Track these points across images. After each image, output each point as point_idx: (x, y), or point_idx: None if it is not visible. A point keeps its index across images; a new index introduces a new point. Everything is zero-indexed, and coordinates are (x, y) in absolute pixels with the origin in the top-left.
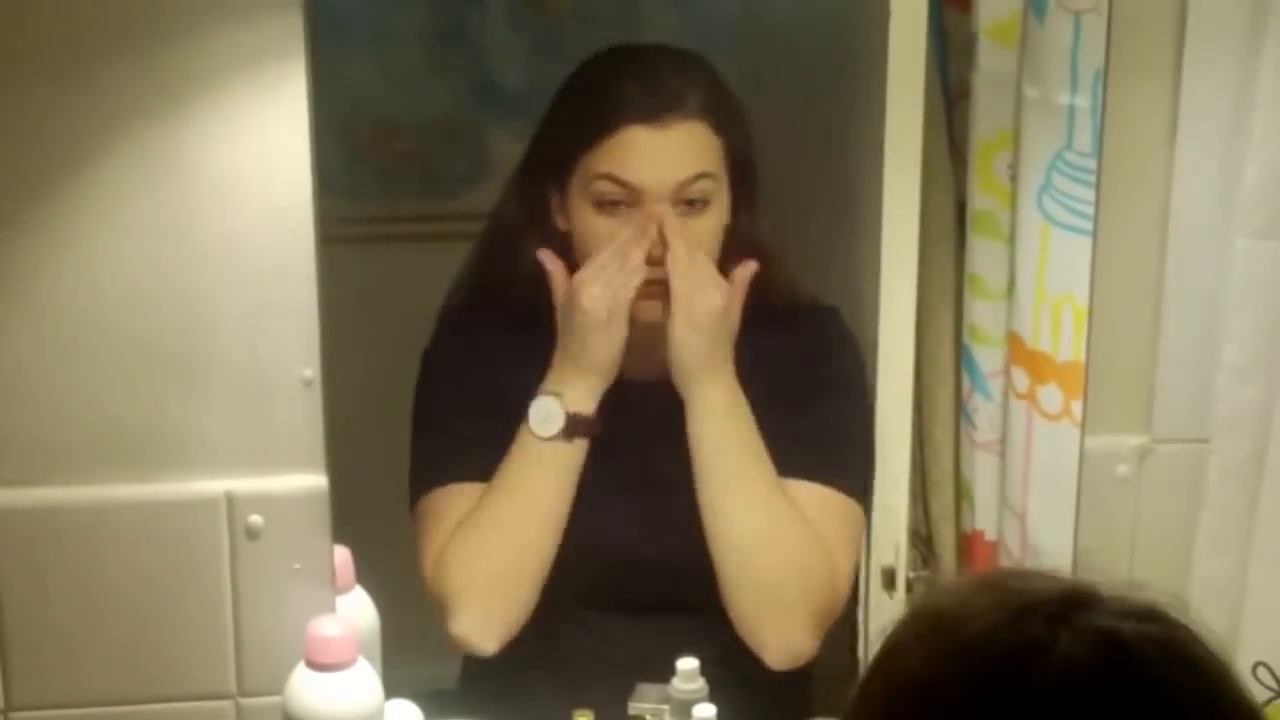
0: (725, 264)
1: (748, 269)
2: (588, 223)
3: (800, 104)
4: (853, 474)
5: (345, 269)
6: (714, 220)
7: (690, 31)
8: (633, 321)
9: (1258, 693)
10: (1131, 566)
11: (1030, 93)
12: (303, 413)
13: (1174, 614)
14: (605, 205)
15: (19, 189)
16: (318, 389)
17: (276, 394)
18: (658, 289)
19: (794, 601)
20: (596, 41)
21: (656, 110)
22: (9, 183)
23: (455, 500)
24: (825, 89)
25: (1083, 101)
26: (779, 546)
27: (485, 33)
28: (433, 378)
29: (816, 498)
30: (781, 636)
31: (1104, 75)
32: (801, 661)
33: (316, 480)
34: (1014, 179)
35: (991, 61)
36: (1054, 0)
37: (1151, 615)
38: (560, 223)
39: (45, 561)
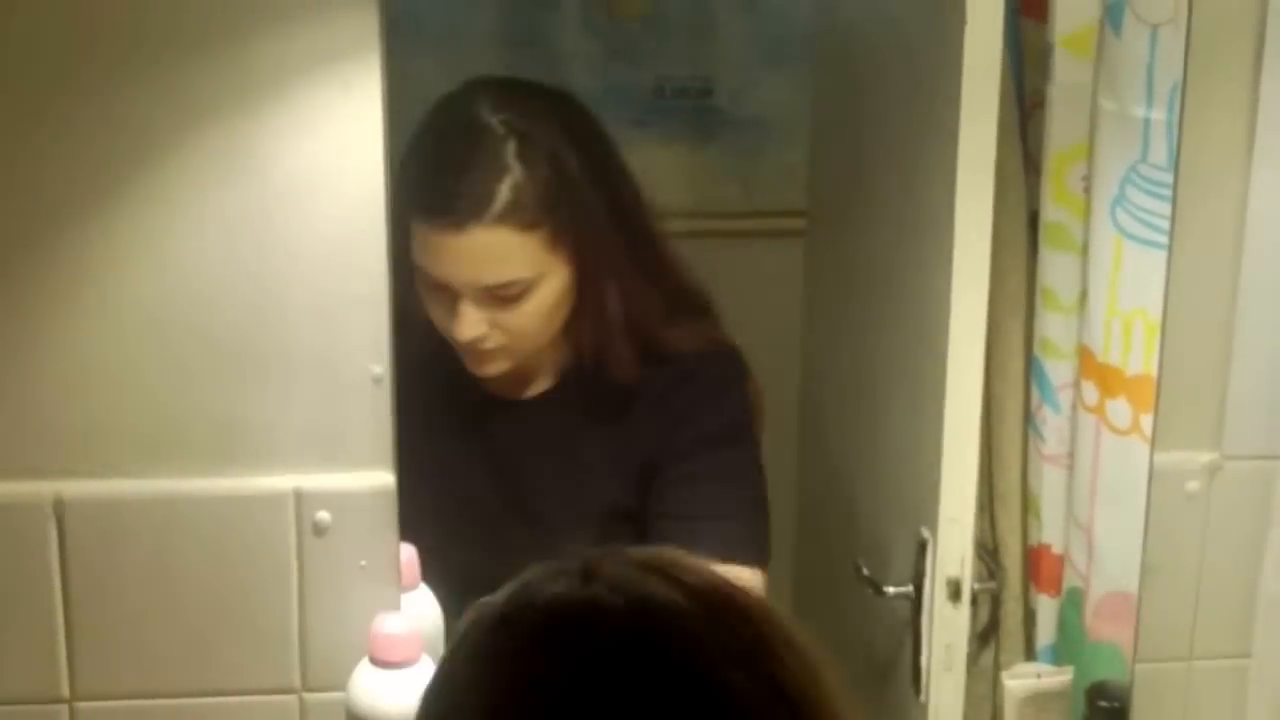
0: (571, 329)
1: None
2: (422, 292)
3: (874, 113)
4: (746, 545)
5: None
6: (532, 307)
7: (762, 39)
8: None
9: None
10: (1199, 584)
11: (1106, 105)
12: (372, 410)
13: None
14: (428, 287)
15: (98, 184)
16: (387, 386)
17: (346, 391)
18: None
19: None
20: (669, 46)
21: (456, 219)
22: (88, 178)
23: None
24: (899, 98)
25: (1158, 115)
26: None
27: (558, 37)
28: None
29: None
30: None
31: (1181, 89)
32: None
33: (384, 478)
34: (1088, 191)
35: (1067, 73)
36: (1131, 13)
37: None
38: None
39: (113, 553)
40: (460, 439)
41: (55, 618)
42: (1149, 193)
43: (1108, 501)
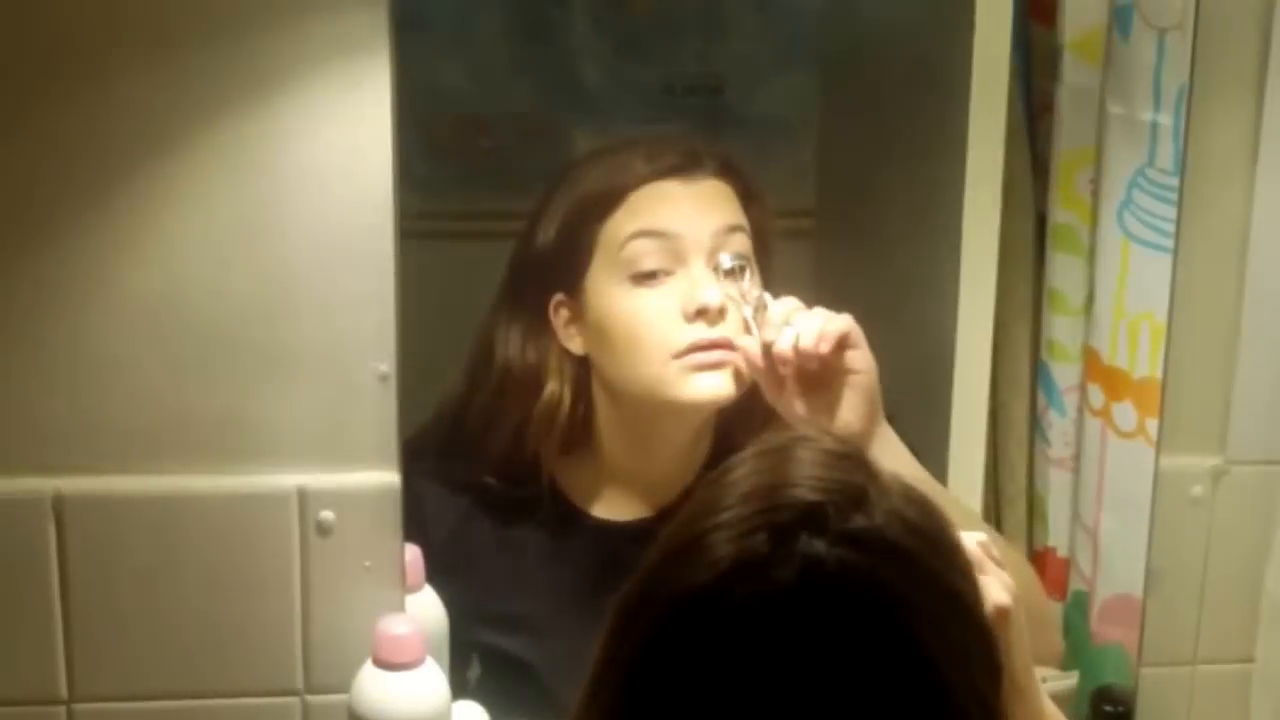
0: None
1: None
2: (624, 301)
3: (881, 114)
4: None
5: (424, 265)
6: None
7: (772, 38)
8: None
9: None
10: (1204, 588)
11: (1113, 109)
12: (377, 408)
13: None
14: (643, 277)
15: (102, 178)
16: (393, 385)
17: (352, 389)
18: None
19: None
20: (679, 43)
21: (679, 166)
22: (92, 172)
23: None
24: (909, 99)
25: (1166, 119)
26: None
27: (568, 32)
28: None
29: None
30: None
31: (1188, 93)
32: None
33: (389, 477)
34: (1095, 195)
35: (1075, 76)
36: (1139, 17)
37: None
38: (575, 343)
39: (114, 550)
40: (541, 562)
41: (53, 617)
42: (1156, 196)
43: (1113, 505)
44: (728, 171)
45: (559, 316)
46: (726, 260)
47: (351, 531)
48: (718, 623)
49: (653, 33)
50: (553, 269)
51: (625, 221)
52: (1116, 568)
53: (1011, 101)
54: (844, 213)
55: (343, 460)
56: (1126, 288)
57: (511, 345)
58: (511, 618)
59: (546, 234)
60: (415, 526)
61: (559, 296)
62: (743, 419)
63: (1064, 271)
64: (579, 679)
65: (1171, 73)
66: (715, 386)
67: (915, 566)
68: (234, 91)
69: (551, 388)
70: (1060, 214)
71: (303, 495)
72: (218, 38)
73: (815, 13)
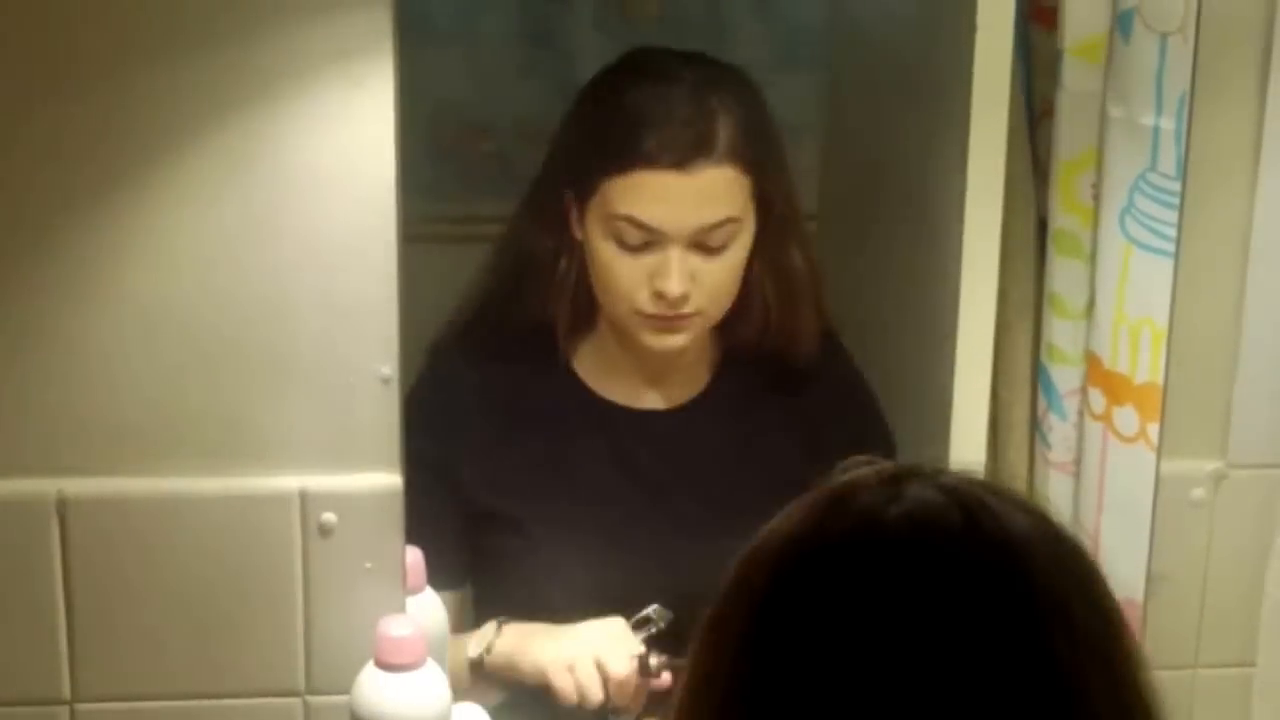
0: (753, 293)
1: None
2: (604, 253)
3: (885, 117)
4: None
5: (426, 268)
6: (735, 255)
7: (775, 42)
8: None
9: None
10: (1204, 591)
11: (1115, 113)
12: (379, 411)
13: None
14: (625, 246)
15: (104, 180)
16: (395, 388)
17: (354, 391)
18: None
19: None
20: (681, 48)
21: (684, 154)
22: (95, 173)
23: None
24: (910, 103)
25: (1167, 123)
26: None
27: (572, 36)
28: (418, 444)
29: None
30: None
31: (1189, 98)
32: None
33: (391, 479)
34: (1096, 199)
35: (1076, 80)
36: (1140, 21)
37: (998, 490)
38: (578, 233)
39: (116, 552)
40: (590, 459)
41: (56, 617)
42: (1158, 201)
43: (1114, 509)
44: (736, 152)
45: (571, 210)
46: (646, 626)
47: (353, 533)
48: (832, 567)
49: (654, 37)
50: (568, 173)
51: (619, 198)
52: (1117, 572)
53: (1013, 105)
54: (846, 216)
55: (345, 462)
56: (1128, 292)
57: (531, 231)
58: (519, 493)
59: (569, 140)
60: (436, 419)
61: (570, 195)
62: (742, 326)
63: (1065, 275)
64: (578, 553)
65: (1173, 77)
66: (671, 343)
67: (1043, 520)
68: (237, 95)
69: (564, 264)
70: (1061, 218)
71: (305, 497)
72: (220, 42)
73: (818, 16)
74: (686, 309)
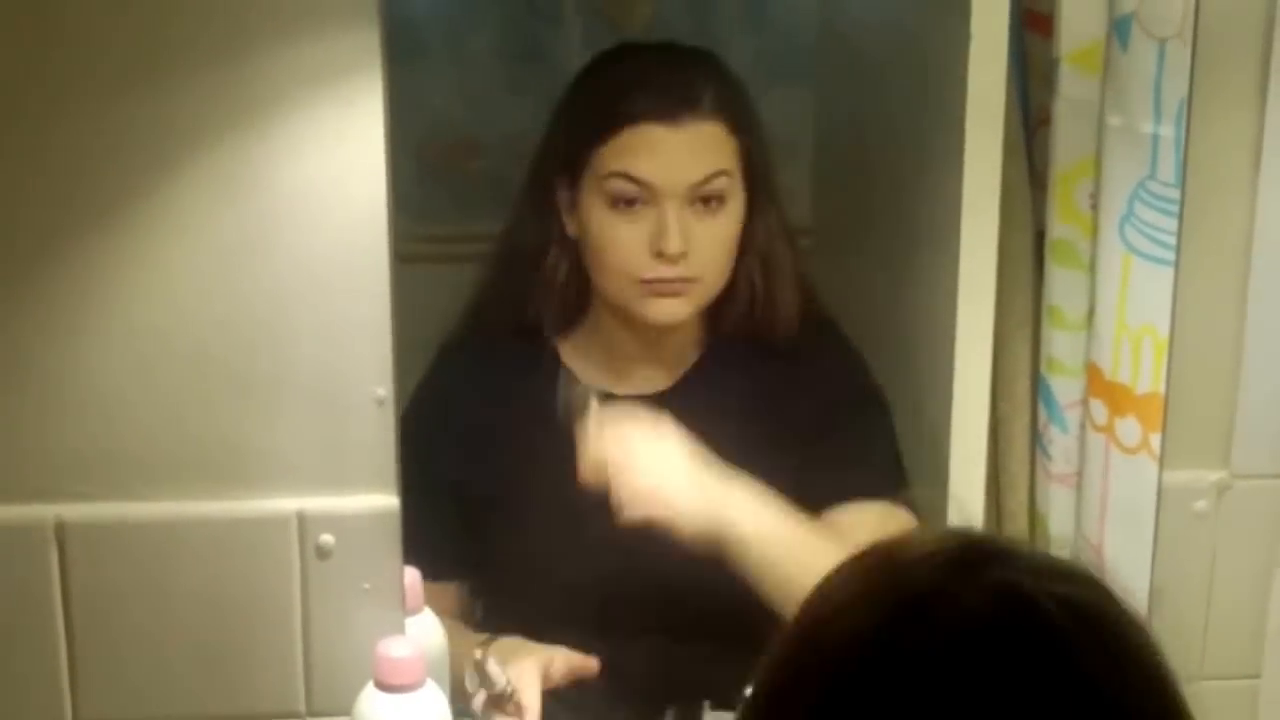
0: (740, 271)
1: None
2: (601, 222)
3: (878, 130)
4: (891, 484)
5: (419, 288)
6: (730, 220)
7: (765, 56)
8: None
9: None
10: (1209, 603)
11: (1113, 120)
12: (375, 432)
13: (1092, 575)
14: (620, 204)
15: (97, 205)
16: (390, 408)
17: (349, 413)
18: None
19: None
20: None
21: (671, 108)
22: (87, 199)
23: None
24: (904, 114)
25: (1166, 131)
26: None
27: (561, 54)
28: (417, 438)
29: (873, 514)
30: None
31: (1188, 104)
32: None
33: (388, 500)
34: (1095, 208)
35: (1073, 88)
36: (1138, 27)
37: (1066, 575)
38: (571, 227)
39: (116, 576)
40: (542, 428)
41: (57, 641)
42: (1158, 209)
43: (1117, 521)
44: (723, 110)
45: (562, 200)
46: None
47: (351, 554)
48: (896, 669)
49: None
50: (557, 169)
51: (611, 158)
52: (1120, 583)
53: (1009, 114)
54: (841, 230)
55: (341, 484)
56: (1128, 301)
57: (521, 226)
58: (515, 483)
59: (557, 137)
60: (435, 414)
61: (563, 180)
62: (729, 304)
63: (1063, 286)
64: (573, 539)
65: (1172, 83)
66: (672, 310)
67: (1111, 599)
68: (225, 117)
69: (552, 258)
70: (1059, 228)
71: (302, 519)
72: (210, 62)
73: (809, 30)
74: (686, 272)
